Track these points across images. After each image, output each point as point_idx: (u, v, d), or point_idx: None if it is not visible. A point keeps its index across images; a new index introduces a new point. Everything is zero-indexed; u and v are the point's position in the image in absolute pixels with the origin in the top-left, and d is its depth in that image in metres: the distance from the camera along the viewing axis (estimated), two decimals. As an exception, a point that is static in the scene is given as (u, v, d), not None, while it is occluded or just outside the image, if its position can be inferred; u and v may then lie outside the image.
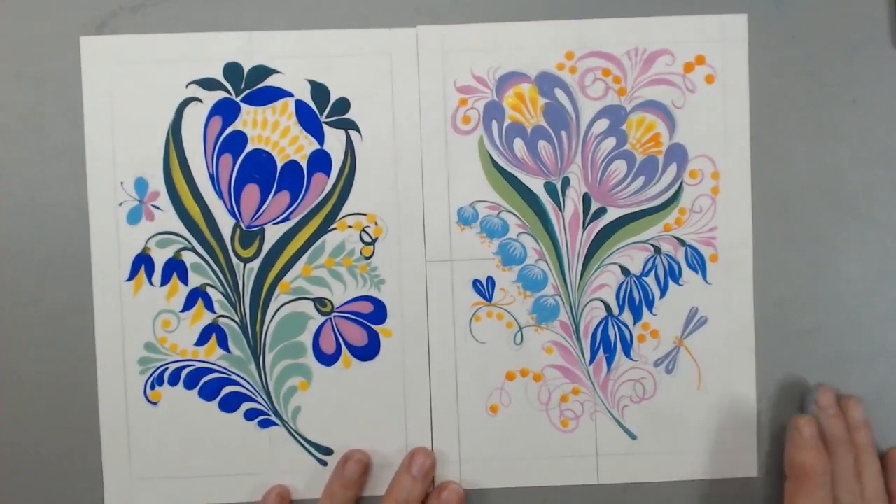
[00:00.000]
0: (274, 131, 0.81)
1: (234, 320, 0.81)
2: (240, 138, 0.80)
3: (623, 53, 0.81)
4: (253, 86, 0.81)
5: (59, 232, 0.80)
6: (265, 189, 0.80)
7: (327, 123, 0.81)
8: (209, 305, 0.81)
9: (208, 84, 0.81)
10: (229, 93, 0.81)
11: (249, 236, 0.81)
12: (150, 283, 0.81)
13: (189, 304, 0.81)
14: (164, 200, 0.81)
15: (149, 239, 0.81)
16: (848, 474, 0.78)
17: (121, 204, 0.80)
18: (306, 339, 0.81)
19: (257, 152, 0.80)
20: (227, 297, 0.81)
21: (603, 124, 0.81)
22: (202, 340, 0.81)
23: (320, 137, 0.81)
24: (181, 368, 0.81)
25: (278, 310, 0.81)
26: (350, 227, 0.81)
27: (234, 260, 0.81)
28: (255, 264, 0.81)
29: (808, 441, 0.77)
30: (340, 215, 0.81)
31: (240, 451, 0.82)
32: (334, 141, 0.81)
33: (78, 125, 0.80)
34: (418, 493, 0.79)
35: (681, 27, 0.81)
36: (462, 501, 0.81)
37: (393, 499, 0.79)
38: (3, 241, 0.80)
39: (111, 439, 0.81)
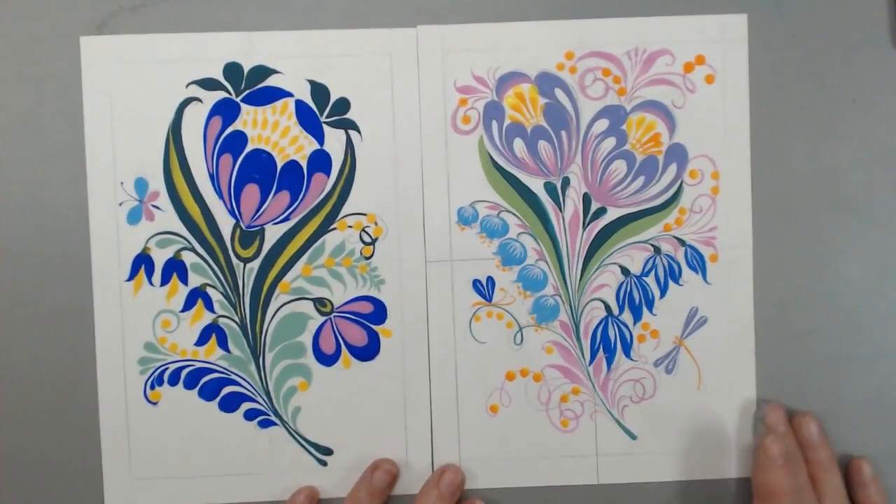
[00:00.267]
0: (274, 131, 0.81)
1: (233, 320, 0.81)
2: (240, 138, 0.80)
3: (623, 53, 0.81)
4: (253, 86, 0.81)
5: (59, 232, 0.80)
6: (265, 189, 0.80)
7: (327, 123, 0.81)
8: (209, 305, 0.81)
9: (208, 84, 0.81)
10: (229, 93, 0.81)
11: (249, 236, 0.81)
12: (150, 283, 0.81)
13: (189, 304, 0.81)
14: (164, 200, 0.81)
15: (149, 239, 0.81)
16: (808, 495, 0.77)
17: (121, 204, 0.80)
18: (306, 339, 0.81)
19: (257, 152, 0.80)
20: (226, 297, 0.81)
21: (603, 124, 0.81)
22: (202, 340, 0.81)
23: (320, 137, 0.81)
24: (181, 368, 0.81)
25: (278, 310, 0.81)
26: (350, 227, 0.81)
27: (234, 260, 0.81)
28: (255, 264, 0.81)
29: (775, 460, 0.76)
30: (340, 215, 0.81)
31: (240, 451, 0.81)
32: (334, 141, 0.81)
33: (78, 125, 0.80)
34: None
35: (681, 27, 0.81)
36: (462, 485, 0.81)
37: None
38: (3, 241, 0.80)
39: (111, 439, 0.81)
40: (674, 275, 0.81)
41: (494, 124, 0.81)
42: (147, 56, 0.80)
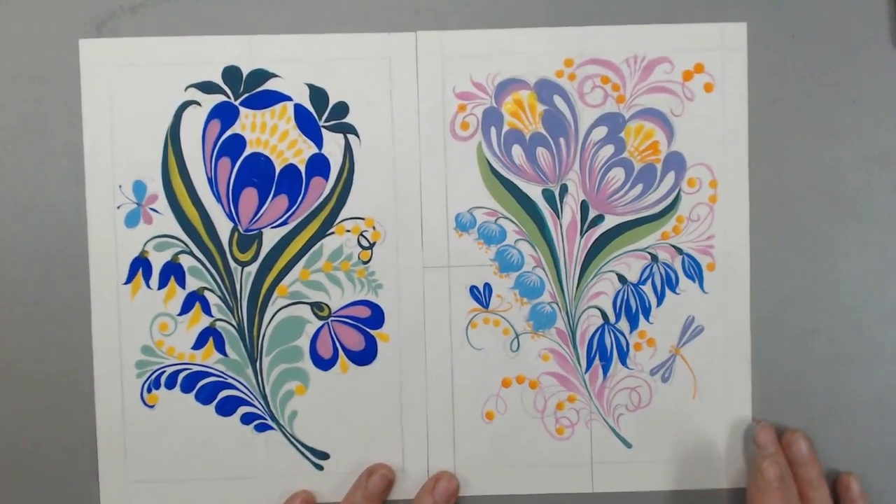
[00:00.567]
0: (272, 135, 0.81)
1: (231, 324, 0.81)
2: (238, 142, 0.80)
3: (622, 61, 0.81)
4: (252, 89, 0.81)
5: (57, 234, 0.80)
6: (263, 193, 0.80)
7: (326, 127, 0.81)
8: (206, 309, 0.81)
9: (207, 87, 0.81)
10: (228, 96, 0.81)
11: (247, 240, 0.81)
12: (148, 287, 0.81)
13: (186, 308, 0.81)
14: (162, 204, 0.81)
15: (147, 242, 0.81)
16: None
17: (119, 207, 0.80)
18: (303, 343, 0.81)
19: (256, 156, 0.80)
20: (224, 300, 0.81)
21: (601, 132, 0.81)
22: (199, 344, 0.81)
23: (319, 141, 0.81)
24: (178, 372, 0.81)
25: (276, 314, 0.81)
26: (348, 231, 0.81)
27: (232, 263, 0.81)
28: (253, 268, 0.81)
29: (771, 483, 0.76)
30: (338, 219, 0.81)
31: (236, 454, 0.82)
32: (333, 145, 0.81)
33: (77, 127, 0.80)
34: None
35: (680, 35, 0.81)
36: (457, 492, 0.81)
37: None
38: (2, 242, 0.80)
39: (108, 442, 0.81)
40: (671, 283, 0.81)
41: (493, 131, 0.81)
42: (146, 59, 0.80)
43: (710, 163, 0.81)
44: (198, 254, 0.81)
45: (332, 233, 0.81)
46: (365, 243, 0.81)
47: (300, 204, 0.81)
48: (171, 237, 0.81)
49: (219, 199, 0.81)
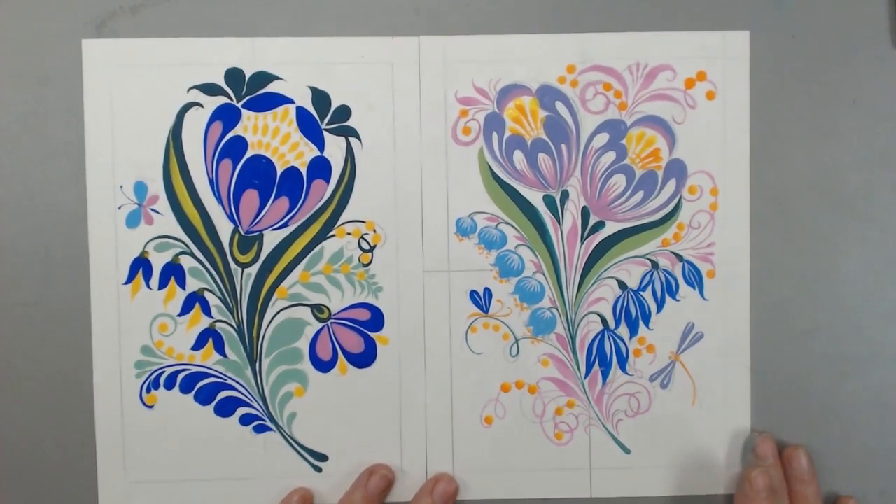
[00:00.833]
0: (274, 137, 0.81)
1: (231, 325, 0.81)
2: (240, 144, 0.80)
3: (624, 68, 0.81)
4: (254, 92, 0.81)
5: (57, 234, 0.80)
6: (264, 195, 0.80)
7: (328, 130, 0.81)
8: (206, 310, 0.81)
9: (209, 89, 0.81)
10: (230, 98, 0.81)
11: (248, 242, 0.81)
12: (148, 287, 0.81)
13: (186, 309, 0.81)
14: (163, 204, 0.81)
15: (147, 242, 0.81)
16: None
17: (120, 207, 0.80)
18: (303, 345, 0.82)
19: (257, 158, 0.80)
20: (224, 301, 0.81)
21: (603, 138, 0.81)
22: (199, 345, 0.81)
23: (320, 144, 0.81)
24: (177, 372, 0.81)
25: (275, 315, 0.81)
26: (349, 234, 0.81)
27: (233, 265, 0.81)
28: (253, 270, 0.81)
29: (758, 493, 0.76)
30: (339, 222, 0.81)
31: (234, 455, 0.82)
32: (334, 148, 0.81)
33: (78, 127, 0.80)
34: None
35: (682, 43, 0.81)
36: (455, 495, 0.81)
37: None
38: (2, 242, 0.80)
39: (106, 442, 0.81)
40: (671, 290, 0.81)
41: (495, 136, 0.81)
42: (149, 60, 0.80)
43: (711, 170, 0.81)
44: (198, 255, 0.81)
45: (333, 235, 0.81)
46: (365, 246, 0.81)
47: (301, 206, 0.81)
48: (172, 238, 0.81)
49: (220, 200, 0.81)
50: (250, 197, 0.80)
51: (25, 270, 0.80)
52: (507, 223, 0.81)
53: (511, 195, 0.81)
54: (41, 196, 0.80)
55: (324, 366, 0.81)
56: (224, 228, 0.81)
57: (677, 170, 0.81)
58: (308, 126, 0.81)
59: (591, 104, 0.81)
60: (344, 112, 0.81)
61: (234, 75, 0.81)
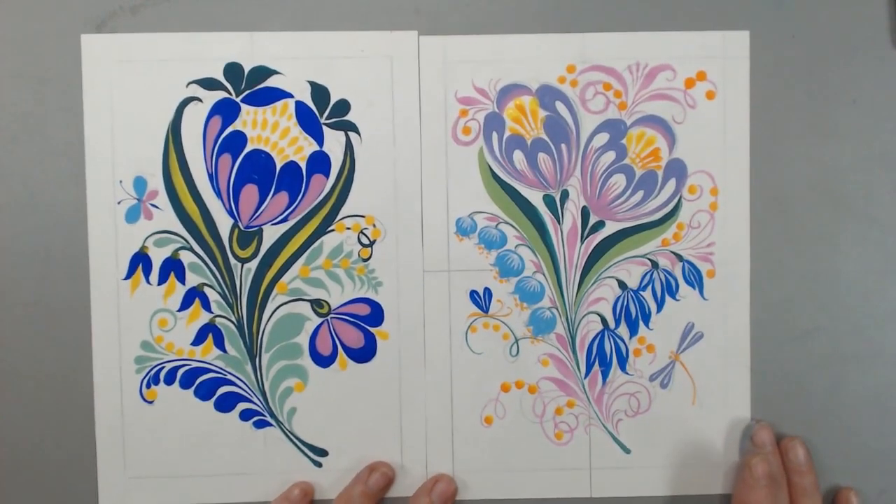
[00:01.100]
0: (273, 132, 0.80)
1: (230, 320, 0.81)
2: (239, 138, 0.80)
3: (624, 68, 0.80)
4: (253, 86, 0.80)
5: (57, 230, 0.80)
6: (264, 190, 0.80)
7: (327, 125, 0.81)
8: (206, 305, 0.81)
9: (209, 84, 0.80)
10: (229, 93, 0.80)
11: (247, 237, 0.81)
12: (148, 282, 0.81)
13: (186, 304, 0.81)
14: (162, 199, 0.81)
15: (147, 238, 0.81)
16: None
17: (119, 202, 0.80)
18: (303, 340, 0.82)
19: (256, 153, 0.80)
20: (224, 297, 0.81)
21: (603, 138, 0.81)
22: (199, 340, 0.81)
23: (320, 139, 0.81)
24: (177, 368, 0.81)
25: (275, 310, 0.81)
26: (348, 228, 0.81)
27: (232, 260, 0.81)
28: (253, 265, 0.81)
29: (758, 481, 0.76)
30: (339, 217, 0.81)
31: (234, 451, 0.82)
32: (334, 142, 0.81)
33: (77, 123, 0.80)
34: None
35: (682, 43, 0.80)
36: (454, 495, 0.81)
37: None
38: (2, 238, 0.80)
39: (106, 437, 0.81)
40: (671, 290, 0.81)
41: (494, 136, 0.80)
42: (148, 55, 0.80)
43: (711, 170, 0.81)
44: (198, 250, 0.81)
45: (333, 230, 0.81)
46: (365, 241, 0.81)
47: (301, 201, 0.81)
48: (172, 233, 0.81)
49: (219, 195, 0.80)
50: (250, 192, 0.80)
51: (25, 267, 0.80)
52: (507, 223, 0.81)
53: (511, 195, 0.81)
54: (41, 193, 0.80)
55: (324, 361, 0.82)
56: (224, 223, 0.81)
57: (677, 169, 0.81)
58: (307, 120, 0.80)
59: (591, 104, 0.80)
60: (343, 106, 0.81)
61: (233, 70, 0.80)
